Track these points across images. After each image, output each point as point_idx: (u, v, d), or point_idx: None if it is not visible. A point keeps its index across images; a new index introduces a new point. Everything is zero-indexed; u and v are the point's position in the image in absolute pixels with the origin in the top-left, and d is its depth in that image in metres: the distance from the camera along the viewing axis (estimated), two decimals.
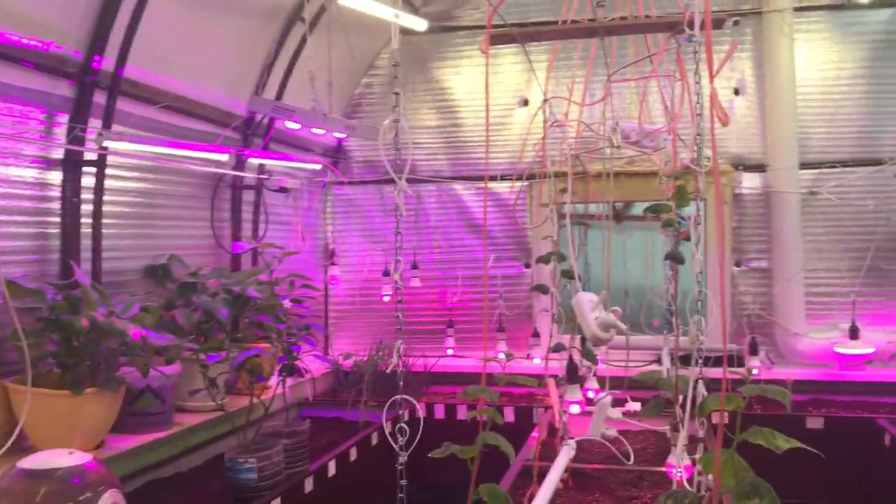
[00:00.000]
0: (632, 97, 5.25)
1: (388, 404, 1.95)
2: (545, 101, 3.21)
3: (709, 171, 3.47)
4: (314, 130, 5.04)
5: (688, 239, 3.15)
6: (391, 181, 6.38)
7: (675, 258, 2.89)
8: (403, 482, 1.90)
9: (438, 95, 6.80)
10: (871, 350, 5.50)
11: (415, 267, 6.48)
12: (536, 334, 6.19)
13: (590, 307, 2.92)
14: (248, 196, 5.61)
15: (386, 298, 6.51)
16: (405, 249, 6.59)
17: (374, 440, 5.14)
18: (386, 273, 6.51)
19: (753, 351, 5.88)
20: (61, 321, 3.44)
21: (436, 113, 6.80)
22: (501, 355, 6.35)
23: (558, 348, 3.91)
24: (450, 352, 6.49)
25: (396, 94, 1.89)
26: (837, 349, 5.78)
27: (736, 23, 6.10)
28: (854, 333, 5.72)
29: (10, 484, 2.60)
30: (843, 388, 5.82)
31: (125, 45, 3.98)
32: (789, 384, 5.29)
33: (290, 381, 4.69)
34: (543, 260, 3.48)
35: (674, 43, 2.58)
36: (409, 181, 6.14)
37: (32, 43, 3.57)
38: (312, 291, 4.90)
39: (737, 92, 6.23)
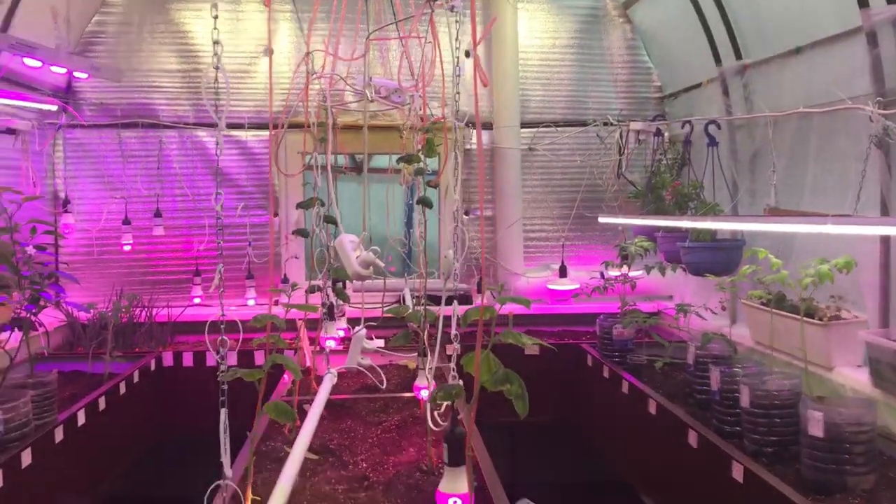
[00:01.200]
0: (383, 55, 5.55)
1: None
2: (307, 53, 3.40)
3: (447, 127, 3.91)
4: (53, 69, 4.74)
5: (435, 187, 3.56)
6: (129, 125, 6.21)
7: (425, 203, 3.26)
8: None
9: (180, 39, 6.62)
10: (576, 286, 6.40)
11: (157, 215, 6.34)
12: (285, 280, 6.38)
13: (351, 247, 3.20)
14: None
15: (127, 248, 6.31)
16: (147, 197, 6.44)
17: (122, 390, 5.07)
18: (126, 221, 6.30)
19: (480, 290, 6.57)
20: None
21: (176, 56, 6.62)
22: (251, 301, 6.53)
23: (313, 290, 4.17)
24: (197, 300, 6.48)
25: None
26: (550, 286, 6.64)
27: None
28: (563, 272, 6.61)
29: None
30: (554, 321, 6.74)
31: None
32: (510, 317, 6.01)
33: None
34: (305, 205, 3.70)
35: (428, 9, 2.90)
36: (149, 126, 5.98)
37: None
38: (57, 239, 4.66)
39: (467, 54, 6.77)
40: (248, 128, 6.52)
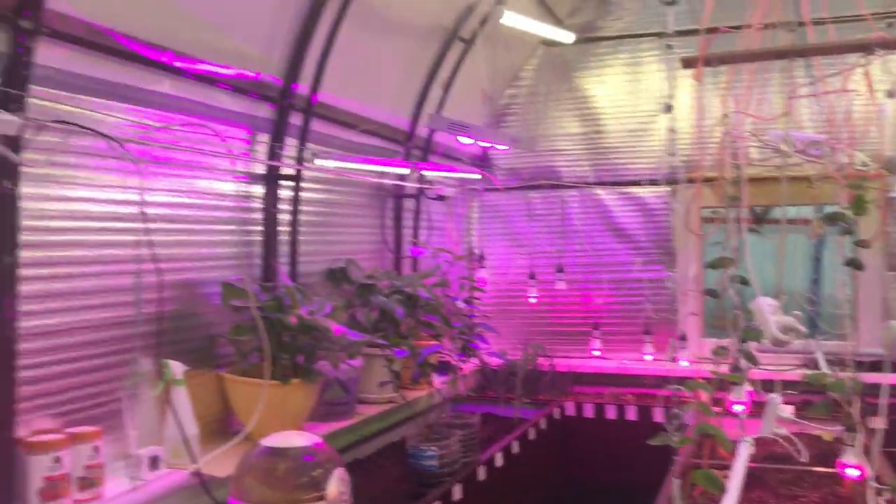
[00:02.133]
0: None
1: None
2: (725, 115, 3.40)
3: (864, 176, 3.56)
4: (460, 139, 5.36)
5: (867, 247, 3.27)
6: (534, 187, 6.66)
7: (855, 265, 3.02)
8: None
9: (582, 103, 7.02)
10: None
11: (560, 270, 6.71)
12: (683, 337, 6.31)
13: (769, 311, 3.08)
14: (409, 204, 6.01)
15: (532, 300, 6.77)
16: (550, 253, 6.86)
17: (532, 435, 5.42)
18: (531, 276, 6.78)
19: None
20: (272, 319, 3.88)
21: (579, 120, 7.02)
22: (648, 357, 6.55)
23: (721, 352, 4.07)
24: (596, 353, 6.69)
25: None
26: None
27: (889, 25, 6.05)
28: None
29: (256, 460, 3.01)
30: None
31: (318, 72, 4.41)
32: None
33: (445, 377, 5.04)
34: (716, 265, 3.65)
35: (863, 62, 2.73)
36: (553, 187, 6.41)
37: (242, 72, 4.03)
38: (477, 293, 5.22)
39: (891, 95, 6.14)
40: (646, 184, 6.64)
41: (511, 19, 5.22)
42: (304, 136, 4.44)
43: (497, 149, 6.76)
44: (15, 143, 2.63)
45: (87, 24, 3.04)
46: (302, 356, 4.01)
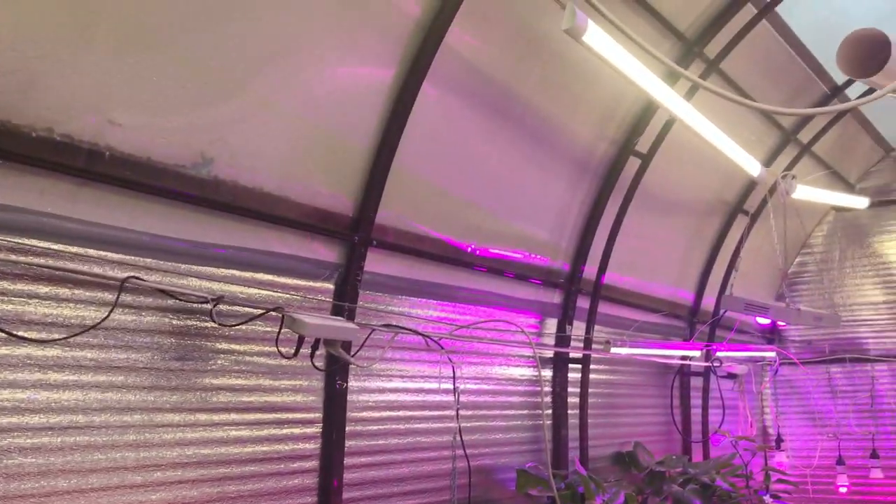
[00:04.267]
0: None
1: None
2: None
3: None
4: (758, 319, 5.10)
5: None
6: (837, 361, 6.07)
7: None
8: None
9: (882, 269, 6.46)
10: None
11: (874, 456, 5.96)
12: None
13: None
14: (695, 382, 5.77)
15: (843, 490, 6.03)
16: (858, 435, 6.15)
17: None
18: (839, 462, 6.08)
19: None
20: None
21: (881, 288, 6.44)
22: None
23: None
24: None
25: None
26: None
27: None
28: None
29: None
30: None
31: (605, 257, 4.53)
32: None
33: None
34: None
35: None
36: (856, 360, 5.80)
37: (535, 259, 4.24)
38: (788, 486, 4.77)
39: None
40: None
41: (802, 192, 5.02)
42: (591, 318, 4.51)
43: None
44: (347, 345, 2.94)
45: (406, 232, 3.41)
46: None
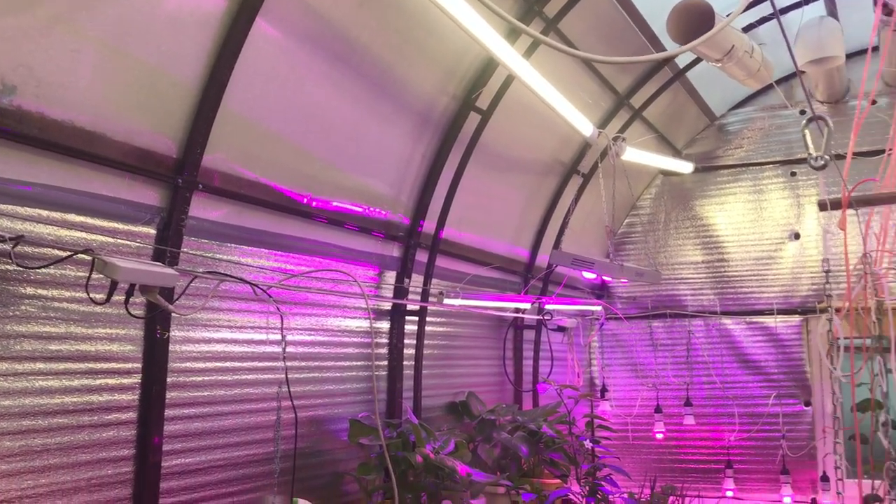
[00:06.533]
0: None
1: None
2: (865, 254, 3.27)
3: None
4: (584, 274, 5.36)
5: None
6: (658, 316, 6.50)
7: None
8: None
9: (703, 231, 6.92)
10: None
11: (688, 404, 6.45)
12: (824, 478, 5.87)
13: None
14: (528, 335, 5.99)
15: (658, 435, 6.50)
16: (676, 386, 6.62)
17: None
18: (657, 410, 6.53)
19: None
20: (397, 457, 3.88)
21: (701, 248, 6.91)
22: (787, 499, 6.10)
23: (874, 499, 3.77)
24: (729, 493, 6.29)
25: None
26: None
27: None
28: None
29: None
30: None
31: (444, 212, 4.57)
32: None
33: None
34: (862, 408, 3.43)
35: None
36: (675, 316, 6.22)
37: (375, 213, 4.23)
38: (608, 433, 5.07)
39: None
40: (777, 313, 6.39)
41: (631, 154, 5.28)
42: (429, 271, 4.56)
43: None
44: (168, 292, 2.82)
45: (237, 178, 3.28)
46: (425, 495, 3.96)
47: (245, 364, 3.45)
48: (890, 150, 3.15)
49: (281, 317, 3.26)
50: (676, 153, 6.86)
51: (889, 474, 3.39)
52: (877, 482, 3.77)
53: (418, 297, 4.52)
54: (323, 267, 3.87)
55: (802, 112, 6.53)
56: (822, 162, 2.50)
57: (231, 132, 3.16)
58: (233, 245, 3.37)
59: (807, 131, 2.56)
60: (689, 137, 6.95)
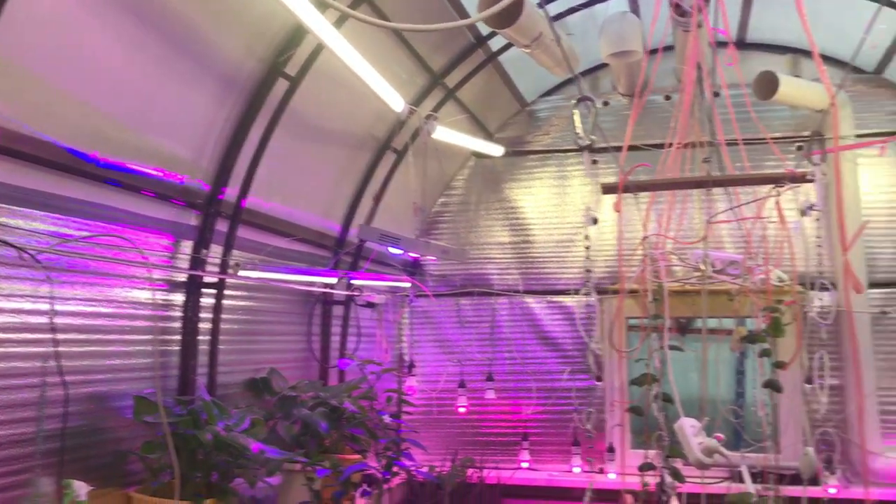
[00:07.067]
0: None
1: None
2: (645, 237, 3.48)
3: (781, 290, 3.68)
4: (391, 249, 5.36)
5: (783, 368, 3.33)
6: (466, 294, 6.65)
7: (773, 387, 3.06)
8: None
9: (511, 213, 7.15)
10: None
11: (489, 379, 6.65)
12: (611, 448, 6.27)
13: (692, 432, 3.07)
14: (337, 311, 5.93)
15: (461, 410, 6.67)
16: (480, 361, 6.81)
17: None
18: (461, 385, 6.69)
19: (829, 469, 5.87)
20: (186, 435, 3.70)
21: (508, 230, 7.14)
22: (577, 469, 6.47)
23: (648, 467, 4.04)
24: (524, 464, 6.57)
25: None
26: None
27: (799, 148, 6.41)
28: None
29: None
30: None
31: (247, 180, 4.39)
32: None
33: (370, 494, 4.85)
34: (638, 382, 3.66)
35: (775, 192, 2.85)
36: (482, 294, 6.40)
37: (169, 176, 3.99)
38: (406, 406, 5.11)
39: (803, 213, 6.45)
40: (573, 293, 6.73)
41: (442, 134, 5.33)
42: (230, 242, 4.37)
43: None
44: None
45: (7, 131, 2.97)
46: (216, 474, 3.82)
47: (12, 336, 3.14)
48: (671, 143, 3.37)
49: (50, 284, 2.98)
50: (489, 136, 7.01)
51: (659, 443, 3.64)
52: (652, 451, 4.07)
53: (217, 270, 4.32)
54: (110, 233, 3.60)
55: (606, 104, 6.89)
56: (588, 142, 2.63)
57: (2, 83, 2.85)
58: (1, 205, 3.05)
59: (575, 111, 2.68)
60: (501, 121, 7.14)
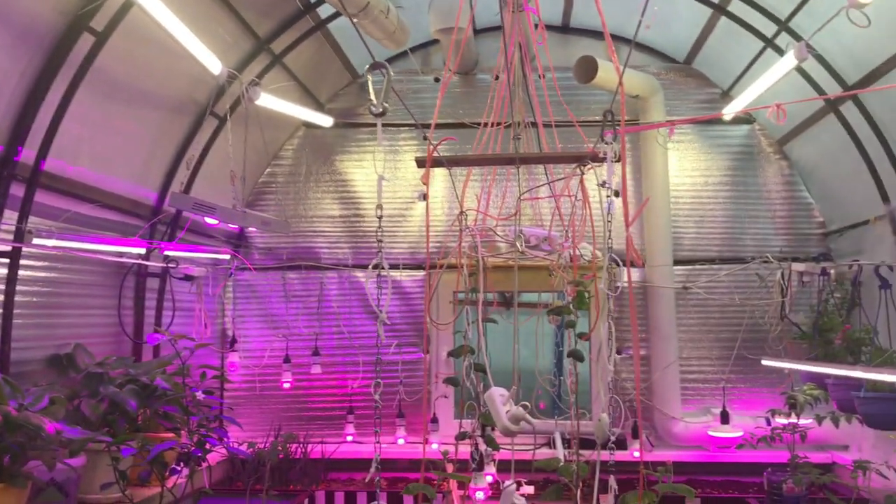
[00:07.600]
0: (526, 205, 5.67)
1: None
2: (461, 212, 3.54)
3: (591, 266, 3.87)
4: (207, 219, 5.16)
5: (586, 339, 3.50)
6: (293, 268, 6.54)
7: (576, 356, 3.21)
8: None
9: (341, 186, 7.08)
10: (740, 433, 6.00)
11: (316, 353, 6.58)
12: (435, 420, 6.39)
13: (501, 401, 3.17)
14: (152, 283, 5.64)
15: (286, 385, 6.56)
16: (306, 336, 6.72)
17: None
18: (286, 360, 6.58)
19: (635, 434, 6.28)
20: None
21: (339, 203, 7.06)
22: (401, 441, 6.54)
23: (464, 436, 4.14)
24: (349, 438, 6.57)
25: None
26: (711, 433, 6.26)
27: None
28: (725, 418, 6.21)
29: None
30: (716, 469, 6.32)
31: (46, 141, 4.06)
32: (669, 466, 5.69)
33: (184, 473, 4.68)
34: (455, 353, 3.73)
35: (578, 171, 2.97)
36: (310, 268, 6.32)
37: None
38: (224, 381, 4.94)
39: (617, 194, 6.79)
40: (403, 268, 6.77)
41: (266, 101, 5.17)
42: (26, 208, 4.03)
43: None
44: None
45: None
46: (8, 457, 3.53)
47: None
48: (485, 123, 3.43)
49: None
50: (320, 106, 6.89)
51: (473, 413, 3.74)
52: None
53: (10, 238, 3.97)
54: None
55: (437, 80, 6.94)
56: (381, 109, 2.63)
57: None
58: None
59: (369, 77, 2.67)
60: (332, 92, 7.02)
